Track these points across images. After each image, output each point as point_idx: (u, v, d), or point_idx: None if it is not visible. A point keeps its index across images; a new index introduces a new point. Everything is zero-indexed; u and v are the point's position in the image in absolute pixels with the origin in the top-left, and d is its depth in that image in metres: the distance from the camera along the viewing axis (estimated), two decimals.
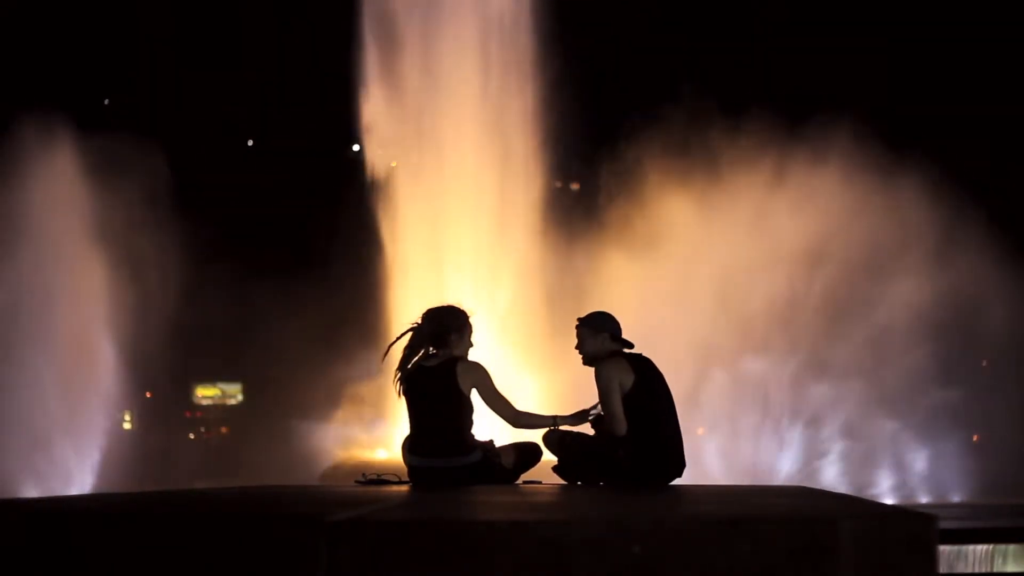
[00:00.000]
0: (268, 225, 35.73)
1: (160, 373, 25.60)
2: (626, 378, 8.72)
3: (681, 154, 24.24)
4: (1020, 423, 22.75)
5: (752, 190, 23.92)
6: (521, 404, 9.12)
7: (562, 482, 9.02)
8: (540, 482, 9.00)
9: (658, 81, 29.20)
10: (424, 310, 9.10)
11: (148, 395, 28.29)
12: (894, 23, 33.66)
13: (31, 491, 21.36)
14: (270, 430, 27.18)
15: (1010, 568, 9.46)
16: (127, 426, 26.95)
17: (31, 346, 23.24)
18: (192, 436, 38.37)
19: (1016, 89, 32.33)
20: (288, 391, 28.28)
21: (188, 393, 38.94)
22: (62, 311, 23.61)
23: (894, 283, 23.51)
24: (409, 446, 8.85)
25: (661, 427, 8.77)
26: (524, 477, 9.04)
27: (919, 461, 23.22)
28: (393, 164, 25.51)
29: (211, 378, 39.26)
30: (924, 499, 22.26)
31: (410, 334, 9.00)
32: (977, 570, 9.28)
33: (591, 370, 8.95)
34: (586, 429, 9.06)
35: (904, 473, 23.19)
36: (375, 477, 8.95)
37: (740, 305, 23.35)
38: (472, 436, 8.81)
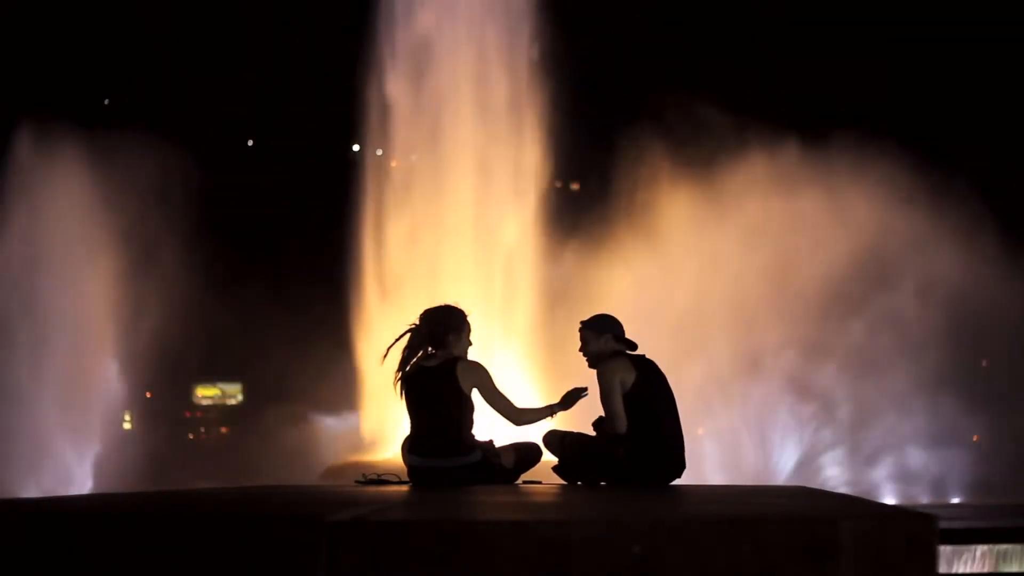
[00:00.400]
0: (267, 225, 35.76)
1: (160, 373, 25.59)
2: (627, 377, 8.75)
3: (681, 154, 24.25)
4: (1020, 423, 22.75)
5: (752, 190, 23.93)
6: (521, 404, 9.12)
7: (562, 482, 9.03)
8: (540, 482, 9.00)
9: (658, 81, 29.24)
10: (422, 310, 9.10)
11: (148, 395, 28.29)
12: (894, 23, 33.71)
13: (31, 491, 21.37)
14: (270, 430, 27.19)
15: (1010, 568, 9.45)
16: (127, 426, 26.95)
17: (31, 346, 23.26)
18: (192, 436, 38.36)
19: (1016, 89, 32.35)
20: (288, 391, 28.29)
21: (188, 393, 38.95)
22: (62, 311, 23.62)
23: (895, 283, 23.52)
24: (409, 446, 8.85)
25: (661, 427, 8.78)
26: (524, 477, 9.04)
27: (919, 461, 23.20)
28: (393, 164, 25.53)
29: (211, 378, 39.26)
30: (924, 499, 22.24)
31: (408, 335, 9.00)
32: (977, 570, 9.27)
33: (591, 370, 8.98)
34: (586, 429, 9.07)
35: (904, 473, 23.18)
36: (375, 477, 8.96)
37: (740, 305, 23.35)
38: (472, 436, 8.81)
